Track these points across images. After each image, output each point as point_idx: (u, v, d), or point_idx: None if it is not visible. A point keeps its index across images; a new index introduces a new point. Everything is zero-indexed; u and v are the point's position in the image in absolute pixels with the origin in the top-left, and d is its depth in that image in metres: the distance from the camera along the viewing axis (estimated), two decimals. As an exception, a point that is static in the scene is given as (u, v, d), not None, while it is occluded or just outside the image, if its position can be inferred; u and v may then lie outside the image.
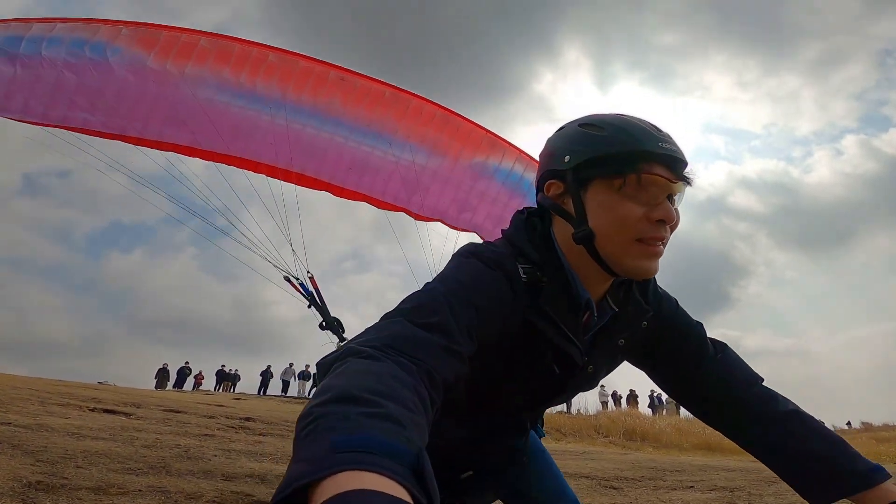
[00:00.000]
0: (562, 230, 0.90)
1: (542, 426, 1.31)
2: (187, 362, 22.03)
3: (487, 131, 3.64)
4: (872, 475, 0.84)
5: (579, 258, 0.88)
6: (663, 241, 0.85)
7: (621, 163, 0.83)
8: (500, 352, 0.85)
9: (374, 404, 0.48)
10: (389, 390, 0.52)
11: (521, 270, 0.86)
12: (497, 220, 3.57)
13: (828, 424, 1.02)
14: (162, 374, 21.02)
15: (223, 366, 22.60)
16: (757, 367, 1.04)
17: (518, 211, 0.99)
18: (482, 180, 3.52)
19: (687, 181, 0.86)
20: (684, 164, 0.85)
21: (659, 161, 0.83)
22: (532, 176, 3.58)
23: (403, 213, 3.65)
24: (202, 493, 2.41)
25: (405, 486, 0.40)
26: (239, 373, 22.57)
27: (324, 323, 3.73)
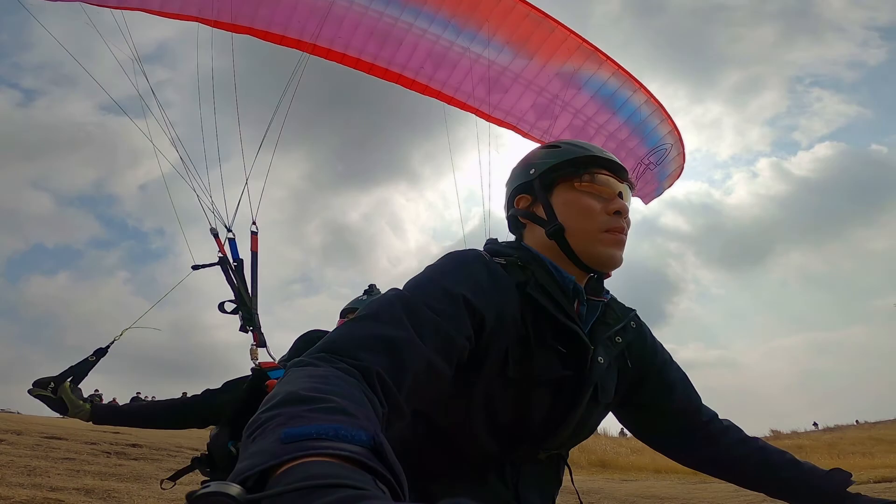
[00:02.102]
0: (533, 234, 1.00)
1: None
2: (96, 390, 21.38)
3: (584, 40, 3.24)
4: (843, 477, 0.98)
5: (552, 255, 0.96)
6: (624, 231, 0.96)
7: (577, 165, 0.97)
8: (498, 346, 0.84)
9: (323, 400, 0.48)
10: (337, 388, 0.53)
11: (495, 261, 0.90)
12: (577, 132, 3.18)
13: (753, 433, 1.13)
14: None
15: (138, 393, 23.03)
16: (693, 378, 1.14)
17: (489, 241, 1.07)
18: (569, 90, 3.10)
19: (630, 184, 1.02)
20: (625, 171, 1.01)
21: (605, 166, 0.98)
22: (626, 93, 3.16)
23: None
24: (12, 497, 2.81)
25: (365, 465, 0.39)
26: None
27: (245, 319, 2.21)
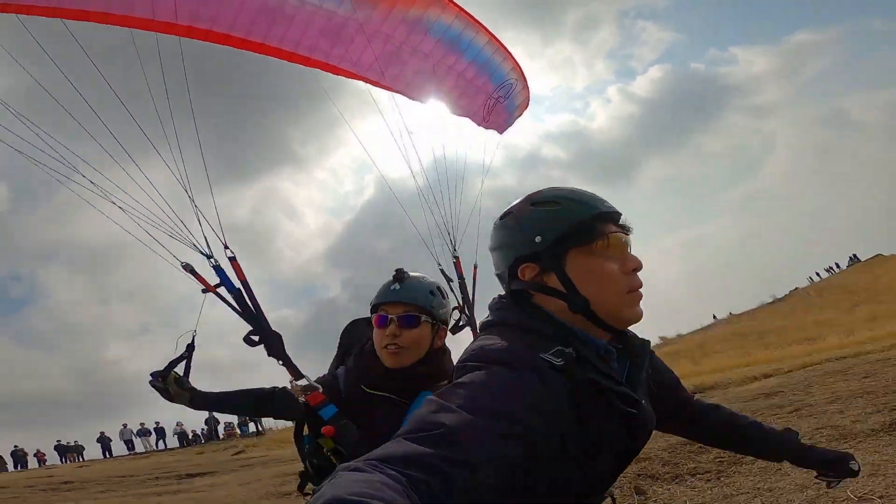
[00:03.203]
0: (549, 305, 0.94)
1: None
2: (16, 445, 22.25)
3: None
4: (795, 434, 1.34)
5: (578, 323, 0.93)
6: (641, 285, 0.96)
7: (589, 230, 0.93)
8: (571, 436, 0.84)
9: (363, 502, 0.52)
10: (379, 493, 0.54)
11: (548, 358, 0.85)
12: (428, 76, 3.23)
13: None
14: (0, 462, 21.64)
15: (58, 440, 23.07)
16: None
17: (495, 299, 1.04)
18: (415, 35, 3.06)
19: (630, 232, 0.99)
20: (622, 216, 0.98)
21: (611, 220, 0.96)
22: (470, 35, 3.25)
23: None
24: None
25: None
26: (80, 442, 23.39)
27: (255, 335, 2.05)
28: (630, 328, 1.00)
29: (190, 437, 23.86)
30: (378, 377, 1.69)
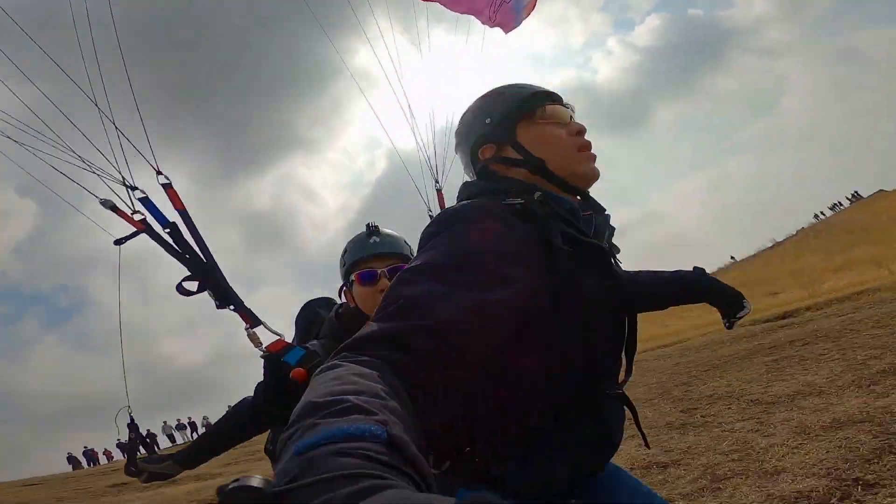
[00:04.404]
0: (512, 174, 1.01)
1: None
2: (86, 446, 27.37)
3: None
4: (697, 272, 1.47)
5: (542, 187, 0.97)
6: (591, 146, 1.03)
7: (529, 103, 1.03)
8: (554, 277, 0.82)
9: (336, 403, 0.46)
10: (353, 386, 0.50)
11: (509, 201, 0.88)
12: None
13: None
14: (74, 461, 26.11)
15: (118, 439, 26.55)
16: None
17: (463, 184, 1.06)
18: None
19: (572, 108, 1.08)
20: (560, 97, 1.08)
21: (549, 97, 1.05)
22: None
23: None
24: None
25: (380, 461, 0.38)
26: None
27: (192, 278, 1.74)
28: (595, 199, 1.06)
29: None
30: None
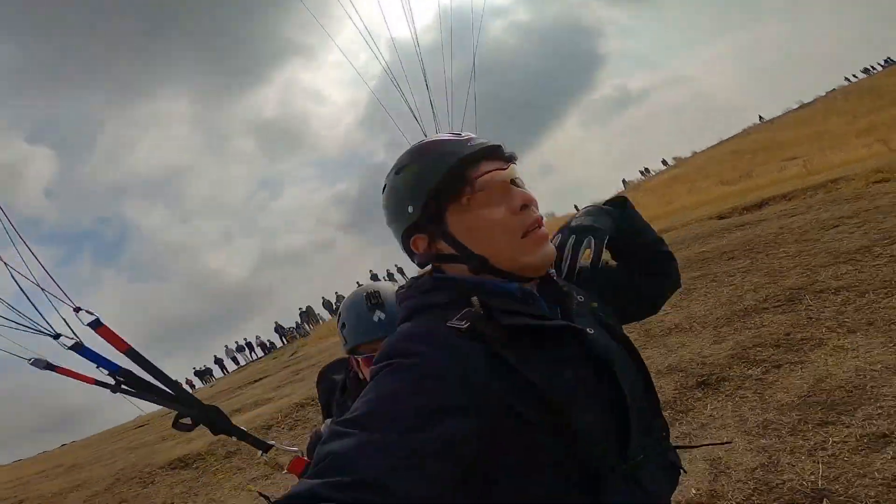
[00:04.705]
0: (455, 270, 0.86)
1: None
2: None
3: None
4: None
5: (487, 278, 0.85)
6: (541, 223, 0.84)
7: (454, 182, 0.82)
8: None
9: None
10: None
11: (453, 324, 0.75)
12: None
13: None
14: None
15: (194, 367, 29.54)
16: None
17: (398, 291, 0.92)
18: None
19: (513, 160, 0.88)
20: (500, 148, 0.87)
21: (479, 158, 0.84)
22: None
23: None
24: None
25: None
26: (206, 366, 29.54)
27: (185, 416, 1.65)
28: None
29: (268, 344, 29.47)
30: None
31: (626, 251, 1.12)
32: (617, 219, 1.09)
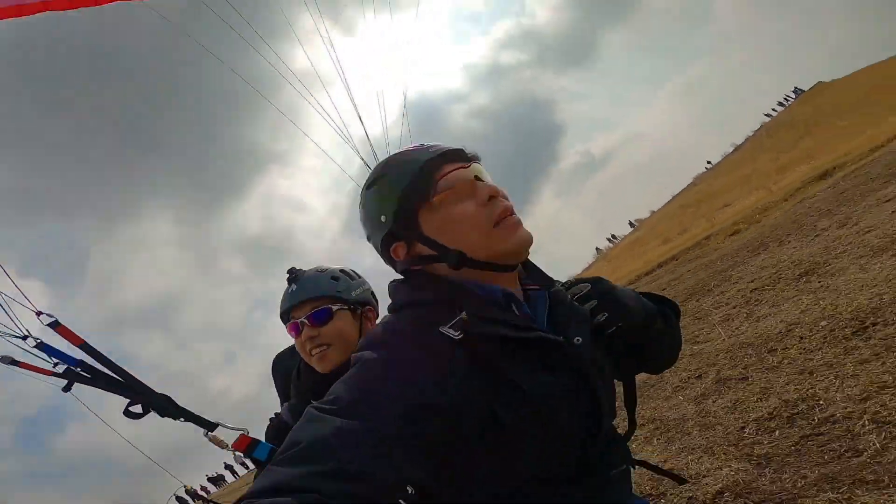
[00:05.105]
0: (437, 270, 0.90)
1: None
2: (185, 485, 27.26)
3: None
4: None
5: (469, 275, 0.88)
6: (511, 211, 0.89)
7: (420, 185, 0.88)
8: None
9: None
10: None
11: (446, 332, 0.78)
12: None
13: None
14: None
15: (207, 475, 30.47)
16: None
17: (391, 283, 0.97)
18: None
19: (475, 159, 0.96)
20: (461, 150, 0.95)
21: (442, 162, 0.91)
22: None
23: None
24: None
25: None
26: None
27: (134, 403, 1.67)
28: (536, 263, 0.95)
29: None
30: (321, 389, 1.27)
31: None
32: (647, 320, 1.01)
